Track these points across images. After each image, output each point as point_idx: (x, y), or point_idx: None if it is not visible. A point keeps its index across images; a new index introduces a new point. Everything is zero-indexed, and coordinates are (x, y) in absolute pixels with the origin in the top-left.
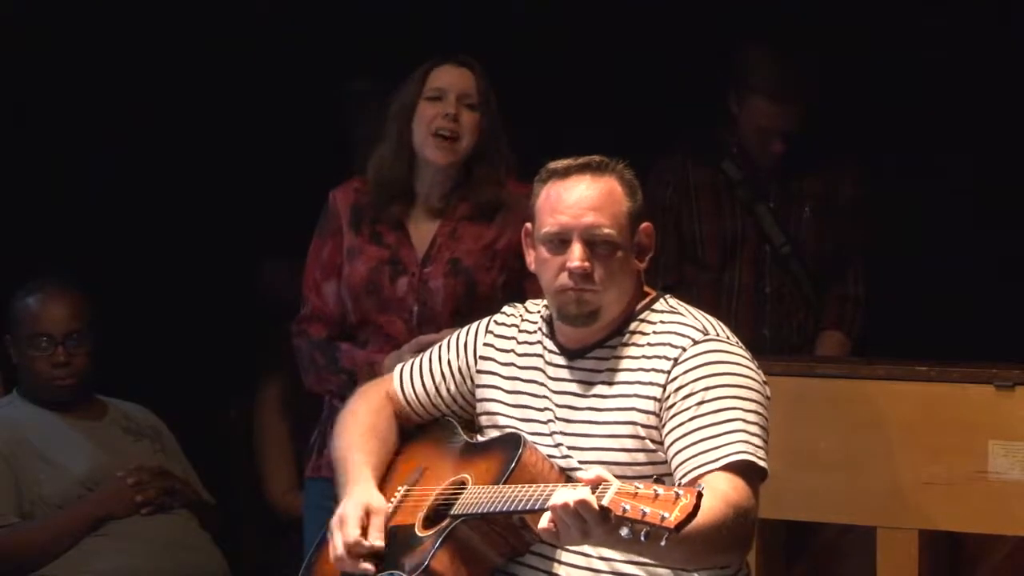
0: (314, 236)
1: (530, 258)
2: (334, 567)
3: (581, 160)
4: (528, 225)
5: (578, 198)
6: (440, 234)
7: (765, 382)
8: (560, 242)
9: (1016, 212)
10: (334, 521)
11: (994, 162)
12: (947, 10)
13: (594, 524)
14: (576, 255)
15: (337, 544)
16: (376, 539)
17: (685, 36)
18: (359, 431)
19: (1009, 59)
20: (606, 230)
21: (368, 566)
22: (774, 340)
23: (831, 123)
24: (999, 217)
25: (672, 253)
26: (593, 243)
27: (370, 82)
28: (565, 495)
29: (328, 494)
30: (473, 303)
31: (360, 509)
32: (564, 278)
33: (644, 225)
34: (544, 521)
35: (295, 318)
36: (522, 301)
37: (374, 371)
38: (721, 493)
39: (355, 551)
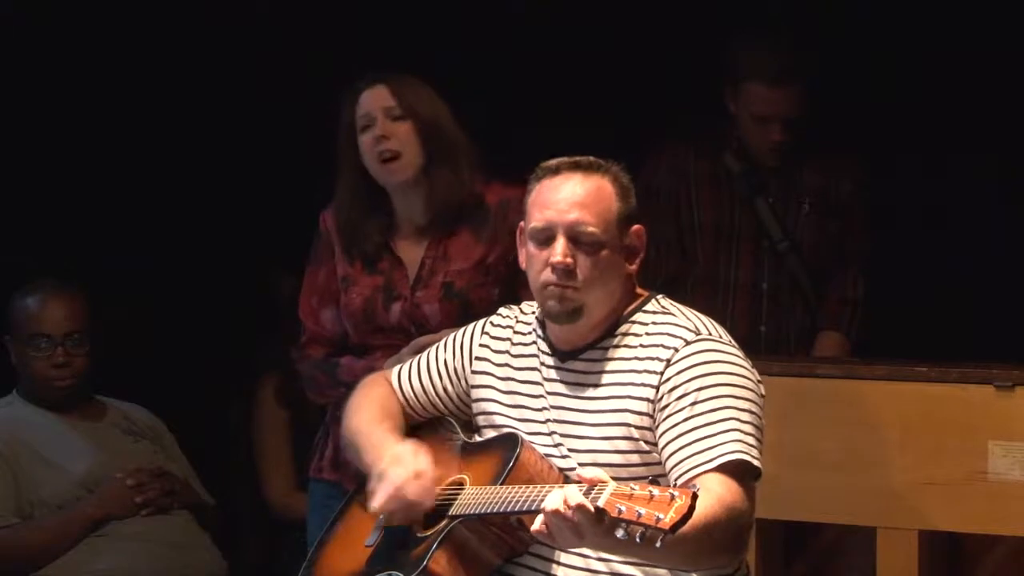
0: (309, 262)
1: (522, 256)
2: (335, 566)
3: (575, 159)
4: (522, 223)
5: (565, 195)
6: (428, 255)
7: (760, 381)
8: (546, 238)
9: (1017, 211)
10: (385, 468)
11: (995, 161)
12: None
13: (589, 526)
14: (559, 250)
15: (398, 477)
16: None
17: (685, 35)
18: (372, 413)
19: (1010, 57)
20: (591, 228)
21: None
22: (771, 337)
23: (831, 120)
24: (1000, 216)
25: (672, 242)
26: (577, 240)
27: None
28: (561, 496)
29: (331, 494)
30: (469, 322)
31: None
32: (547, 274)
33: (635, 227)
34: (538, 523)
35: (295, 346)
36: (517, 304)
37: None
38: (716, 495)
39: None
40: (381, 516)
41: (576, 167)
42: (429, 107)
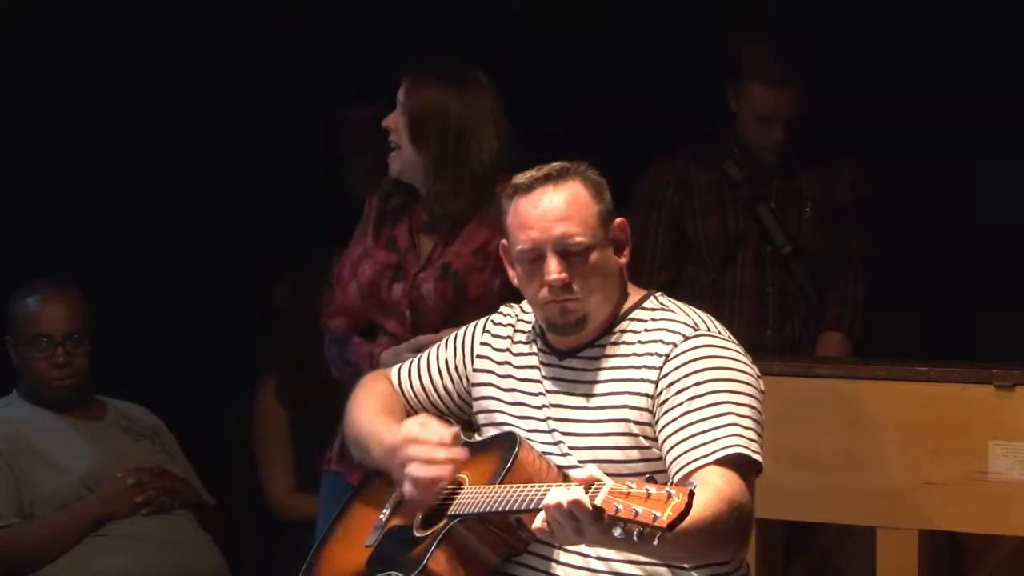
0: (352, 237)
1: (512, 274)
2: (335, 566)
3: (543, 171)
4: (504, 242)
5: (544, 211)
6: (440, 241)
7: (759, 376)
8: (535, 257)
9: (1016, 211)
10: (400, 457)
11: (994, 161)
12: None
13: (588, 523)
14: (552, 268)
15: (419, 455)
16: (448, 432)
17: (685, 35)
18: (374, 410)
19: (1009, 57)
20: (578, 238)
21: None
22: (778, 340)
23: (831, 122)
24: (999, 216)
25: (667, 252)
26: (567, 252)
27: (368, 109)
28: (559, 495)
29: (336, 486)
30: (464, 307)
31: (414, 426)
32: (545, 292)
33: (618, 221)
34: (539, 521)
35: (325, 312)
36: (519, 301)
37: (374, 363)
38: (715, 488)
39: (444, 445)
40: (382, 515)
41: (547, 179)
42: (430, 112)
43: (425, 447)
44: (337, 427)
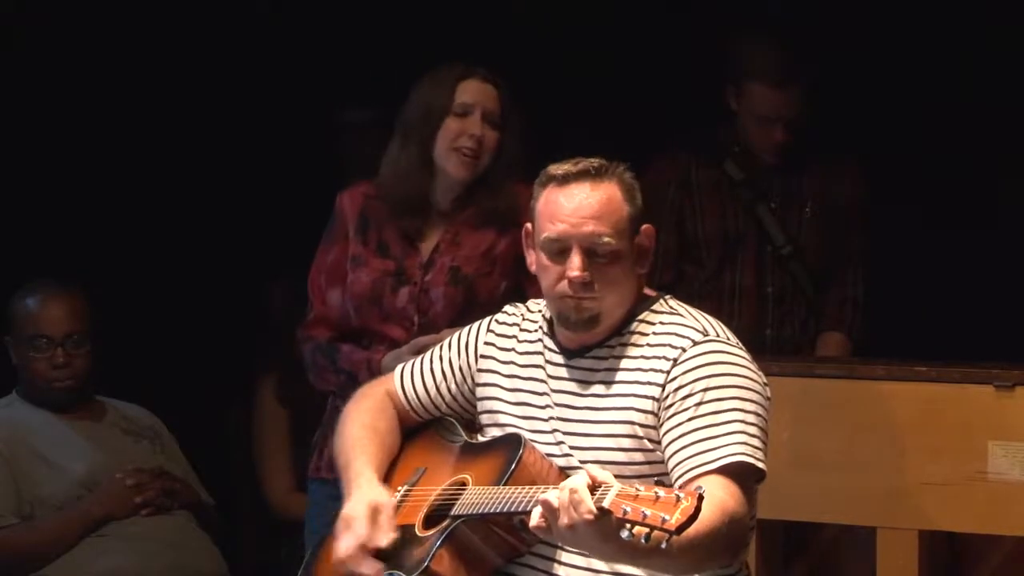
0: (321, 240)
1: (530, 259)
2: (334, 567)
3: (581, 165)
4: (528, 226)
5: (577, 206)
6: (443, 240)
7: (766, 384)
8: (559, 250)
9: (1017, 211)
10: (339, 522)
11: (995, 161)
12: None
13: (582, 514)
14: (575, 265)
15: (344, 545)
16: (386, 538)
17: (685, 35)
18: (360, 431)
19: (1008, 57)
20: (606, 239)
21: (376, 565)
22: (776, 341)
23: (831, 122)
24: (999, 217)
25: (670, 251)
26: (593, 252)
27: (369, 112)
28: (562, 486)
29: (328, 494)
30: (473, 311)
31: (366, 507)
32: (564, 286)
33: (645, 227)
34: (535, 516)
35: (301, 324)
36: (523, 302)
37: (372, 369)
38: (718, 500)
39: (366, 549)
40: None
41: (585, 175)
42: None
43: (347, 539)
44: (325, 432)
